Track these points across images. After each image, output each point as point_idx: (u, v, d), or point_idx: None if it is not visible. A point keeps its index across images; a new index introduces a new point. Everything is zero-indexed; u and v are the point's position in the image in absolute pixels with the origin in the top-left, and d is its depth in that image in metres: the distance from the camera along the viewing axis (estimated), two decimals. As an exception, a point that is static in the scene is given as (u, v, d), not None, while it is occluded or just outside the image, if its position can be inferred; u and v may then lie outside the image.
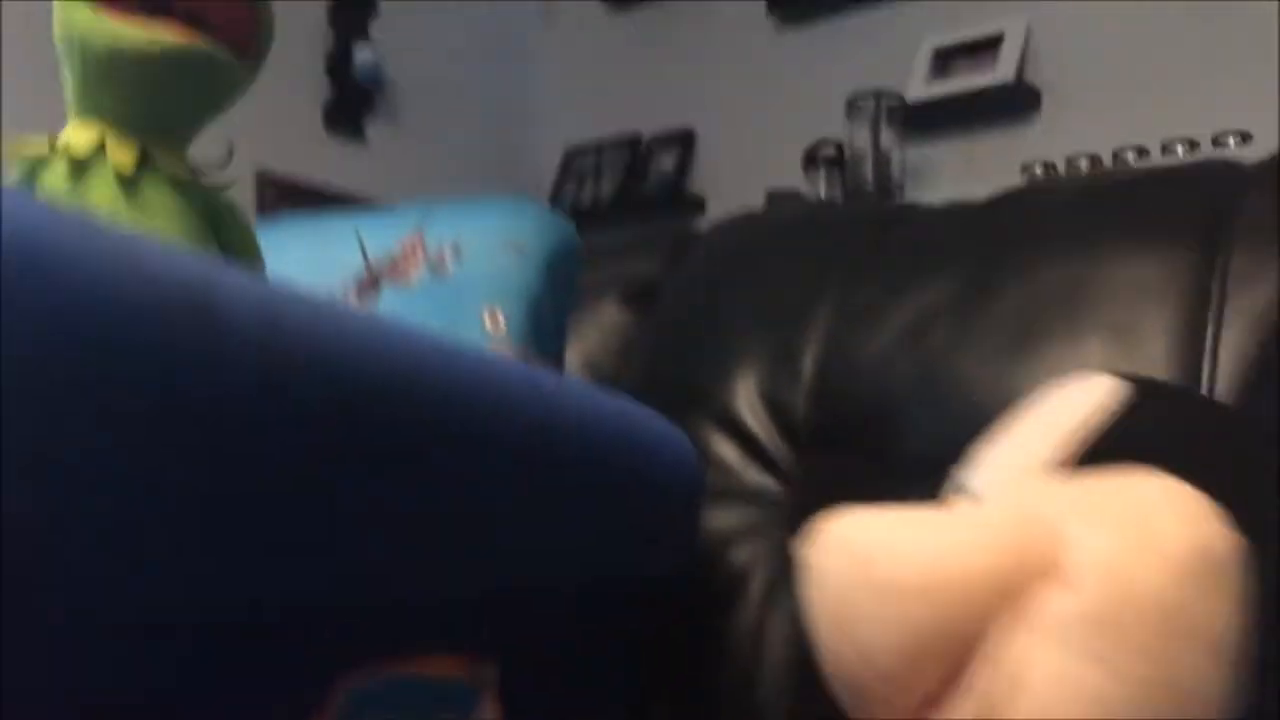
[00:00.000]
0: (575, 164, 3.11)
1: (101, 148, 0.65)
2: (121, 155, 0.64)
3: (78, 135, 0.65)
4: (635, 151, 3.01)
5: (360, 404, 0.45)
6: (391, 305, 0.82)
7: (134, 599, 0.38)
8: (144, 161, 0.65)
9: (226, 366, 0.40)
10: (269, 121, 2.62)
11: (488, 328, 0.81)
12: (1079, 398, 0.50)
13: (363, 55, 2.69)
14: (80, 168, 0.64)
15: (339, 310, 0.48)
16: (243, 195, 2.56)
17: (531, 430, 0.55)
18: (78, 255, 0.36)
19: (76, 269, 0.36)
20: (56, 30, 0.66)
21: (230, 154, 0.73)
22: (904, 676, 0.42)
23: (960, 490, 0.52)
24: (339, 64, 2.70)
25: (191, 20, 0.65)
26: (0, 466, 0.34)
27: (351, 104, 2.73)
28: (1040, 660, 0.40)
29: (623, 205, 2.95)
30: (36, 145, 0.66)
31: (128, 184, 0.64)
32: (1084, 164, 2.22)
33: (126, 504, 0.37)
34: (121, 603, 0.38)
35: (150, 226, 0.65)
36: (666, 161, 2.95)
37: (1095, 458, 0.46)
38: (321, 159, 2.71)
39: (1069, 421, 0.49)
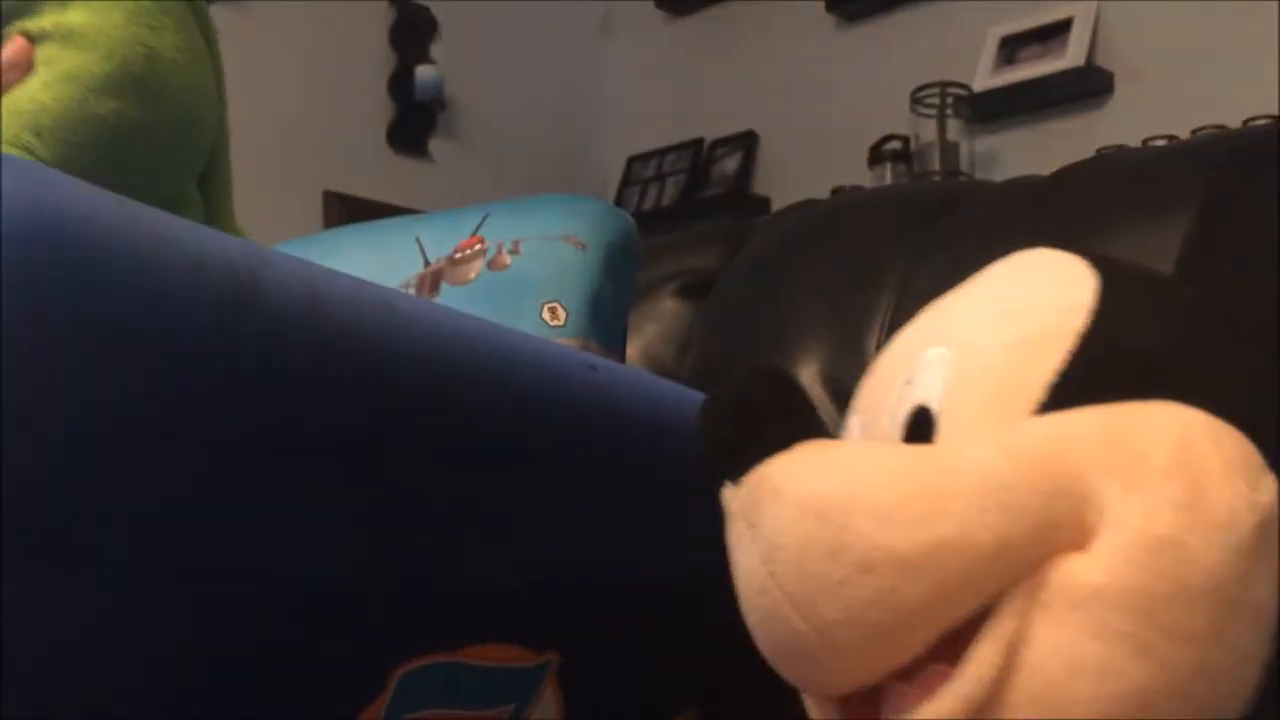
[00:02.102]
0: (638, 171, 3.12)
1: None
2: None
3: None
4: (697, 155, 3.00)
5: (408, 386, 0.44)
6: (451, 303, 0.82)
7: (181, 585, 0.38)
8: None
9: (273, 349, 0.40)
10: (334, 143, 2.67)
11: (548, 322, 0.80)
12: (1050, 293, 0.39)
13: (424, 74, 2.73)
14: None
15: (383, 291, 0.48)
16: (311, 215, 2.61)
17: (586, 415, 0.54)
18: (112, 237, 0.35)
19: (112, 254, 0.35)
20: None
21: None
22: (874, 657, 0.36)
23: (925, 418, 0.39)
24: (401, 84, 2.74)
25: None
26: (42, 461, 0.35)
27: (415, 123, 2.78)
28: (1054, 639, 0.34)
29: (685, 209, 2.95)
30: None
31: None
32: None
33: (168, 491, 0.37)
34: (170, 588, 0.38)
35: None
36: (729, 164, 2.94)
37: (1089, 378, 0.36)
38: (387, 178, 2.75)
39: (1046, 325, 0.38)
